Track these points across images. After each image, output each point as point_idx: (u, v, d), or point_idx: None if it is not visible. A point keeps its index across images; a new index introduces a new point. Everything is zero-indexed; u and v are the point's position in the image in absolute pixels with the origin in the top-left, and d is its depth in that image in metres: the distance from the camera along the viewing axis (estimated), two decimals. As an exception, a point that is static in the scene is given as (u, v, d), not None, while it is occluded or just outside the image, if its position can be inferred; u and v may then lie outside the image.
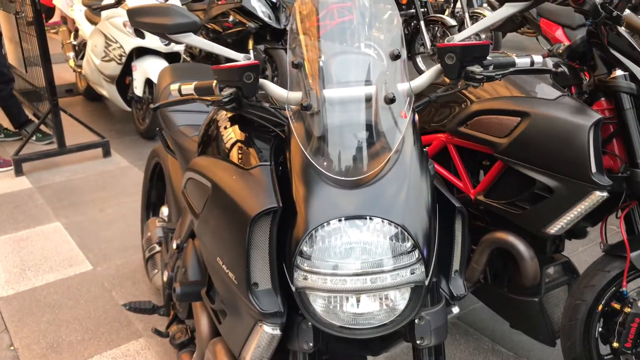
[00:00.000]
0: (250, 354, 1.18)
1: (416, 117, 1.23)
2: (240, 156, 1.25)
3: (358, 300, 1.08)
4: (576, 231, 2.06)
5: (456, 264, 1.30)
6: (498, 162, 1.97)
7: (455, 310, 1.29)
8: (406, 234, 1.05)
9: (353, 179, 1.08)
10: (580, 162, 1.70)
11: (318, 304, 1.09)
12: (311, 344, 1.14)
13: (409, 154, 1.13)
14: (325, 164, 1.10)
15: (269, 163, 1.20)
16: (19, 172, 4.09)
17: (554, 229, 1.83)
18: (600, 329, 1.85)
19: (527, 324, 2.08)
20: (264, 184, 1.15)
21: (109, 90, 4.89)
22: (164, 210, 2.34)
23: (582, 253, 2.93)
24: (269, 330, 1.12)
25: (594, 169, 1.70)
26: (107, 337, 2.39)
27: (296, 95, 1.17)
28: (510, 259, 2.04)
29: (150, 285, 2.70)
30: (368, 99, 1.13)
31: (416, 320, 1.13)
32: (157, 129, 2.15)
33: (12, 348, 2.35)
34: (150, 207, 2.73)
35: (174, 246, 1.80)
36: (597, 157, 1.71)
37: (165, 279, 1.92)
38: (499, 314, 2.19)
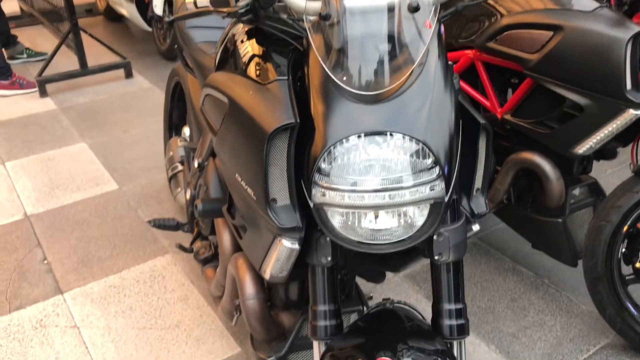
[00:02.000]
0: (270, 267, 1.20)
1: (442, 28, 1.16)
2: (257, 71, 1.21)
3: (376, 216, 1.07)
4: (605, 152, 2.00)
5: (478, 182, 1.27)
6: (527, 80, 1.90)
7: (476, 227, 1.27)
8: (427, 150, 1.01)
9: (373, 94, 1.04)
10: (615, 78, 1.62)
11: (336, 220, 1.08)
12: (329, 258, 1.14)
13: (433, 66, 1.08)
14: (344, 77, 1.06)
15: (286, 77, 1.16)
16: (43, 93, 4.10)
17: (583, 148, 1.77)
18: (623, 250, 1.83)
19: (549, 244, 2.07)
20: (281, 99, 1.12)
21: (128, 9, 4.79)
22: (186, 130, 2.34)
23: (610, 175, 2.87)
24: (288, 245, 1.12)
25: (629, 86, 1.62)
26: (135, 253, 2.47)
27: (315, 5, 1.11)
28: (536, 179, 2.00)
29: (174, 204, 2.75)
30: (390, 8, 1.07)
31: (435, 237, 1.12)
32: (176, 46, 2.11)
33: (45, 262, 2.44)
34: (172, 127, 2.73)
35: (196, 165, 1.81)
36: (633, 73, 1.62)
37: (187, 197, 1.94)
38: (521, 234, 2.18)
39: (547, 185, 1.92)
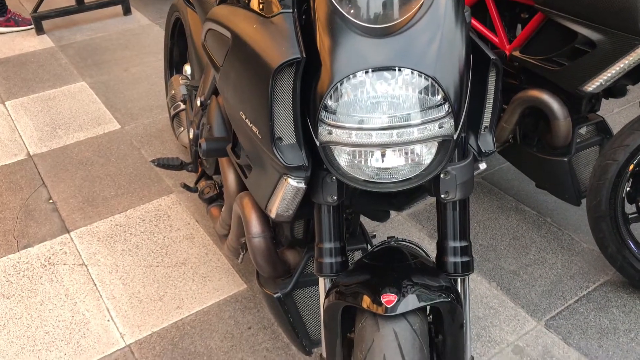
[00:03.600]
0: (276, 206, 1.20)
1: (452, -42, 1.11)
2: (261, 3, 1.17)
3: (383, 155, 1.06)
4: (615, 90, 1.97)
5: (486, 120, 1.25)
6: (538, 14, 1.84)
7: (483, 166, 1.26)
8: (437, 86, 0.99)
9: (382, 27, 1.00)
10: (629, 13, 1.57)
11: (342, 158, 1.07)
12: (335, 197, 1.14)
13: (443, -1, 1.04)
14: (351, 10, 1.02)
15: (291, 10, 1.11)
16: (39, 30, 4.01)
17: (593, 86, 1.74)
18: (628, 189, 1.83)
19: (553, 183, 2.07)
20: (286, 33, 1.08)
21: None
22: (187, 68, 2.29)
23: (618, 114, 2.84)
24: (294, 184, 1.12)
25: (643, 20, 1.57)
26: (139, 193, 2.48)
27: None
28: (542, 118, 1.98)
29: (177, 143, 2.74)
30: None
31: (442, 175, 1.11)
32: (175, -21, 2.03)
33: (51, 201, 2.46)
34: (173, 65, 2.68)
35: (198, 103, 1.78)
36: (648, 7, 1.57)
37: (191, 136, 1.92)
38: (526, 173, 2.18)
39: (554, 124, 1.90)
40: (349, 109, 1.01)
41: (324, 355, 1.19)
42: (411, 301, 1.04)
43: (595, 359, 1.72)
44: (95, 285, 2.03)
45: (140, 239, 2.23)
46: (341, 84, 1.00)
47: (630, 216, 1.86)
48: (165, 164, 1.96)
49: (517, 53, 1.94)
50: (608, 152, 1.80)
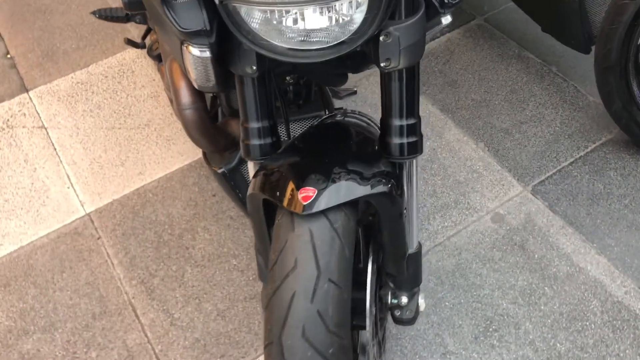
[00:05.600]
0: (193, 76, 0.99)
1: None
2: None
3: (302, 16, 0.82)
4: None
5: (455, -42, 0.97)
6: None
7: (446, 20, 1.00)
8: None
9: None
10: None
11: (254, 19, 0.84)
12: (254, 67, 0.93)
13: None
14: None
15: None
16: None
17: None
18: (645, 36, 1.55)
19: (561, 27, 1.77)
20: None
21: None
22: None
23: None
24: (196, 53, 0.90)
25: None
26: (102, 46, 2.26)
27: None
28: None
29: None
30: None
31: (381, 37, 0.87)
32: None
33: (8, 56, 2.26)
34: None
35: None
36: None
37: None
38: (530, 15, 1.87)
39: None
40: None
41: (255, 247, 1.07)
42: (333, 196, 0.87)
43: (580, 227, 1.58)
44: (55, 149, 1.92)
45: (102, 98, 2.06)
46: None
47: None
48: (108, 15, 1.70)
49: None
50: (626, -10, 1.49)
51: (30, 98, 2.09)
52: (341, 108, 1.17)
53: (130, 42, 1.72)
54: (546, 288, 1.48)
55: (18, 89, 2.13)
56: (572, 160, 1.73)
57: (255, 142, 1.01)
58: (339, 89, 1.95)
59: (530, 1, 1.82)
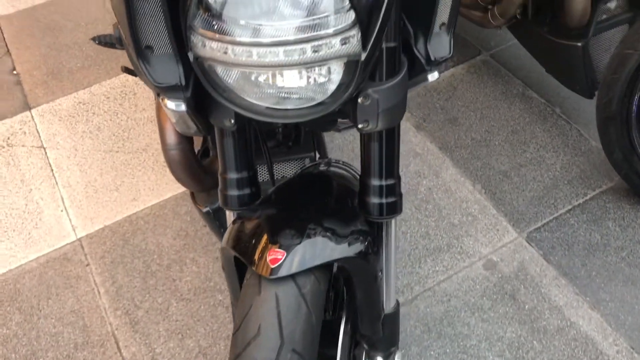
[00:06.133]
0: (174, 122, 0.98)
1: None
2: None
3: (281, 74, 0.81)
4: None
5: (443, 15, 0.95)
6: None
7: (433, 77, 0.98)
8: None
9: None
10: None
11: (230, 77, 0.83)
12: (233, 121, 0.91)
13: None
14: None
15: None
16: None
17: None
18: (647, 87, 1.51)
19: (564, 70, 1.74)
20: None
21: None
22: None
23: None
24: (172, 107, 0.88)
25: None
26: (107, 66, 2.26)
27: None
28: (558, -9, 1.60)
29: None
30: None
31: (359, 99, 0.86)
32: None
33: (14, 72, 2.28)
34: None
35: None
36: None
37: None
38: (534, 56, 1.84)
39: (569, 0, 1.53)
40: (223, 13, 0.75)
41: (230, 300, 1.05)
42: (303, 259, 0.85)
43: (574, 279, 1.54)
44: (52, 170, 1.92)
45: (102, 120, 2.07)
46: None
47: (646, 119, 1.56)
48: (108, 41, 1.71)
49: None
50: (629, 40, 1.46)
51: (32, 116, 2.10)
52: (326, 157, 1.15)
53: (127, 70, 1.71)
54: (535, 342, 1.44)
55: (21, 107, 2.14)
56: (570, 207, 1.69)
57: (233, 192, 1.00)
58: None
59: (534, 42, 1.79)
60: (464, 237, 1.65)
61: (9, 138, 2.04)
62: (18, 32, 2.45)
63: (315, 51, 0.75)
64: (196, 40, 0.79)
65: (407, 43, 0.97)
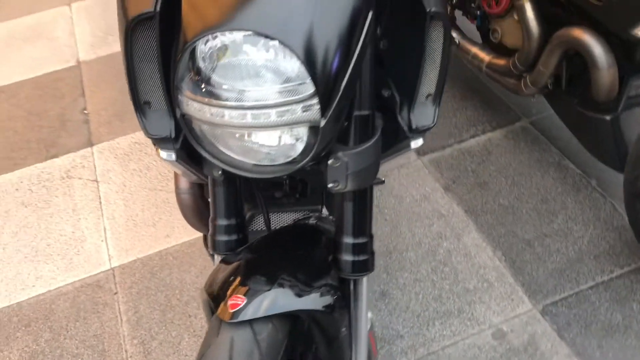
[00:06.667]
0: (176, 171, 1.08)
1: None
2: None
3: (249, 135, 0.88)
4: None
5: (430, 86, 1.00)
6: None
7: (416, 144, 1.02)
8: (296, 58, 0.78)
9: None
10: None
11: (211, 135, 0.91)
12: (220, 172, 1.00)
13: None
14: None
15: None
16: None
17: (640, 32, 1.35)
18: (677, 165, 1.46)
19: (594, 143, 1.71)
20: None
21: None
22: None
23: None
24: (164, 156, 0.98)
25: None
26: (165, 110, 2.45)
27: None
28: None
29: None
30: None
31: (329, 161, 0.91)
32: None
33: (85, 112, 2.52)
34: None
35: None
36: None
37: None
38: (567, 126, 1.82)
39: (594, 74, 1.53)
40: (204, 77, 0.84)
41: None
42: (262, 307, 0.90)
43: (588, 360, 1.48)
44: (101, 203, 2.09)
45: (152, 160, 2.23)
46: (186, 47, 0.82)
47: (676, 198, 1.50)
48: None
49: (559, -21, 1.54)
50: (654, 118, 1.42)
51: (93, 152, 2.30)
52: (318, 212, 1.20)
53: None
54: (536, 422, 1.38)
55: (85, 143, 2.36)
56: (592, 284, 1.63)
57: (221, 238, 1.07)
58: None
59: (566, 112, 1.78)
60: (476, 303, 1.63)
61: (69, 170, 2.24)
62: (95, 76, 2.71)
63: (279, 116, 0.82)
64: (182, 98, 0.88)
65: (393, 110, 1.03)
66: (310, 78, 0.79)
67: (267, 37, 0.78)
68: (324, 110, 0.81)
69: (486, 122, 2.16)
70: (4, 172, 2.26)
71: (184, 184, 1.31)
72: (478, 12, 1.95)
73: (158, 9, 0.87)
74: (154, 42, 0.91)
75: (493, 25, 1.90)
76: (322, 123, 0.82)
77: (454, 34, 2.06)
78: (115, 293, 1.80)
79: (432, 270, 1.72)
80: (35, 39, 3.02)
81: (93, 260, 1.91)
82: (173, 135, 0.95)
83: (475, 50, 1.99)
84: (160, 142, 0.96)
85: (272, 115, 0.82)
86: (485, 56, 1.95)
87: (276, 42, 0.78)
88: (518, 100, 2.19)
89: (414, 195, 1.94)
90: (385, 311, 1.63)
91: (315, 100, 0.81)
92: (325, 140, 0.86)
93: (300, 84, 0.81)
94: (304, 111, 0.82)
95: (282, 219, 1.38)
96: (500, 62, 1.88)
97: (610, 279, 1.63)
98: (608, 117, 1.59)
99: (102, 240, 1.97)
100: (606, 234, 1.75)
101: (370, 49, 0.89)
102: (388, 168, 1.16)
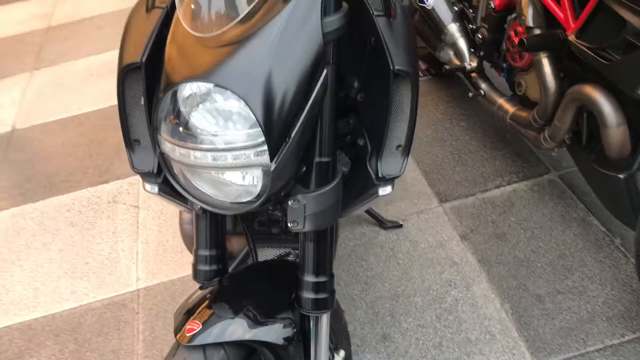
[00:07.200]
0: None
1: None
2: None
3: (217, 173, 0.97)
4: None
5: (400, 138, 1.06)
6: (594, -8, 1.44)
7: (384, 191, 1.07)
8: (248, 107, 0.87)
9: (206, 36, 0.90)
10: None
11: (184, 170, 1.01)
12: (199, 207, 1.09)
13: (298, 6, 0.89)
14: (186, 13, 0.93)
15: (165, 5, 1.05)
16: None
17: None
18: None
19: (611, 201, 1.67)
20: (149, 30, 1.03)
21: None
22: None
23: None
24: (148, 188, 1.10)
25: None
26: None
27: None
28: (603, 120, 1.58)
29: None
30: None
31: (290, 201, 0.98)
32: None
33: (139, 143, 2.72)
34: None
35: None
36: None
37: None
38: (587, 182, 1.79)
39: (603, 132, 1.51)
40: (175, 119, 0.95)
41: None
42: (216, 334, 0.97)
43: None
44: (138, 227, 2.25)
45: (190, 191, 2.38)
46: (164, 94, 0.93)
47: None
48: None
49: (573, 38, 1.55)
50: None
51: (139, 180, 2.48)
52: (293, 251, 1.26)
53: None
54: None
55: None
56: (601, 346, 1.57)
57: (202, 267, 1.16)
58: (384, 219, 2.02)
59: (585, 168, 1.75)
60: (476, 354, 1.61)
61: (116, 196, 2.43)
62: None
63: (234, 159, 0.91)
64: (159, 138, 0.99)
65: (363, 158, 1.09)
66: (261, 125, 0.87)
67: (225, 88, 0.88)
68: (272, 155, 0.89)
69: (513, 173, 2.14)
70: (60, 194, 2.48)
71: (187, 216, 1.42)
72: (505, 65, 1.97)
73: (144, 60, 0.99)
74: (142, 88, 1.03)
75: (518, 79, 1.91)
76: (273, 167, 0.90)
77: (482, 85, 2.09)
78: (137, 313, 1.92)
79: (437, 317, 1.72)
80: (108, 74, 3.31)
81: (123, 280, 2.05)
82: (155, 170, 1.06)
83: (501, 101, 2.00)
84: (145, 176, 1.08)
85: (229, 158, 0.91)
86: (509, 108, 1.96)
87: (236, 99, 0.87)
88: (548, 152, 2.16)
89: (430, 242, 1.95)
90: (384, 354, 1.65)
91: (265, 146, 0.89)
92: (278, 183, 0.93)
93: (258, 130, 0.89)
94: (255, 155, 0.90)
95: (272, 253, 1.45)
96: (523, 114, 1.88)
97: (621, 343, 1.56)
98: (622, 175, 1.55)
99: (133, 263, 2.11)
100: (623, 295, 1.68)
101: (331, 101, 0.96)
102: (358, 213, 1.21)
